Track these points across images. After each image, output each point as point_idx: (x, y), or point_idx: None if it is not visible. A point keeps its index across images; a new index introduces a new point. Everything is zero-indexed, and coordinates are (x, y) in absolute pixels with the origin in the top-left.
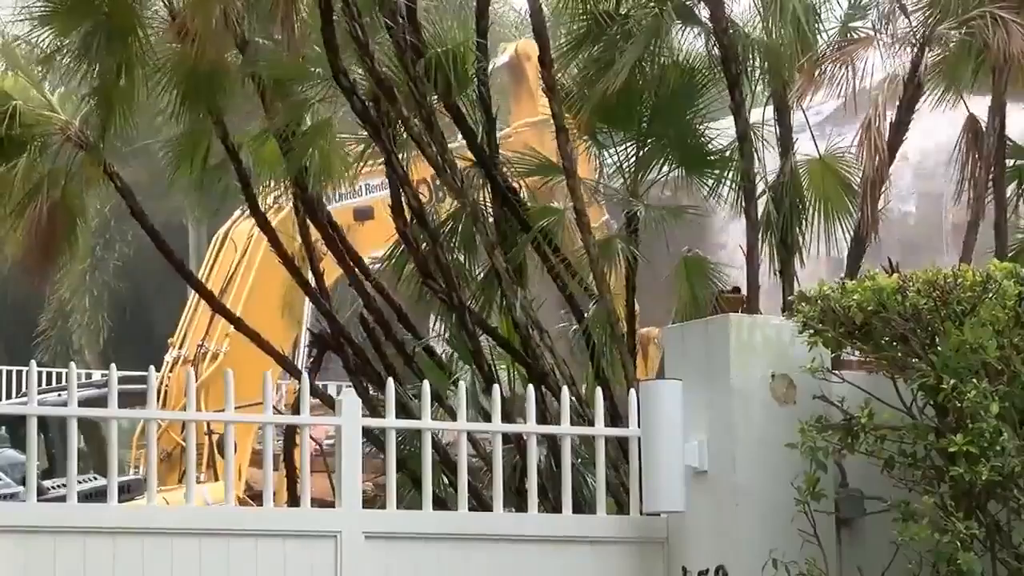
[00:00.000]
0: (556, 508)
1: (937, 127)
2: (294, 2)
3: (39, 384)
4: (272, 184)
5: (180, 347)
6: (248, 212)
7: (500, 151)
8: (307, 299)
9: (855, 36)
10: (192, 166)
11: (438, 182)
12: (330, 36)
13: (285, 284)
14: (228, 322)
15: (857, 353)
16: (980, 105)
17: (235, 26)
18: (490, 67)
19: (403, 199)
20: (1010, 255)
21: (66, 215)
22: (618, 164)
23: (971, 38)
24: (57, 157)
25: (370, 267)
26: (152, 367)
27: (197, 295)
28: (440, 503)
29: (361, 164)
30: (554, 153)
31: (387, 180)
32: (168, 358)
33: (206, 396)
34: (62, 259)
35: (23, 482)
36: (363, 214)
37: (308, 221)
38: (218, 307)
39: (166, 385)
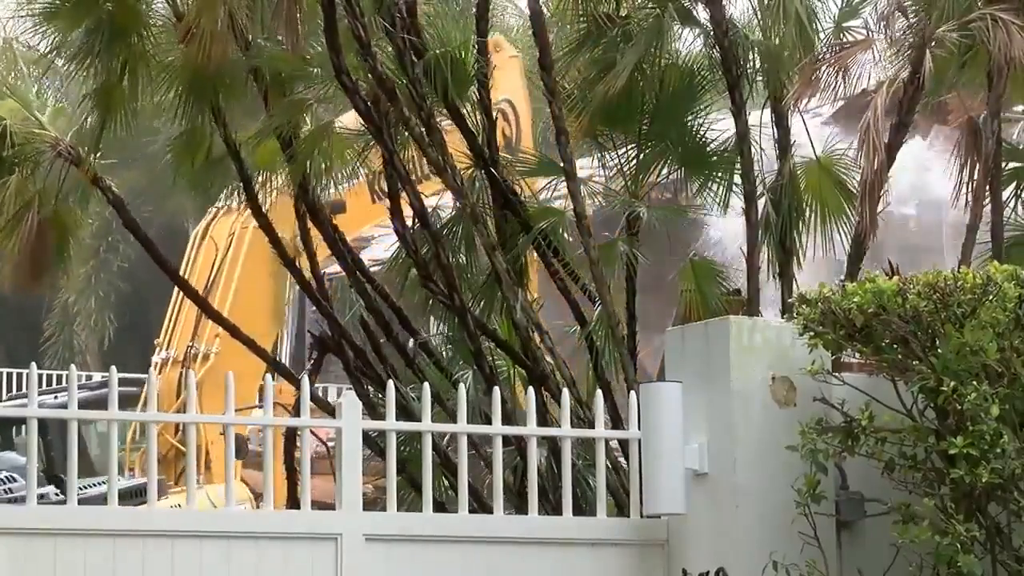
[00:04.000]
0: (556, 510)
1: (939, 129)
2: (298, 1)
3: (41, 387)
4: (273, 184)
5: (167, 348)
6: (225, 210)
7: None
8: (288, 295)
9: (849, 35)
10: (192, 165)
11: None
12: (332, 35)
13: (270, 281)
14: (218, 324)
15: (857, 355)
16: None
17: (241, 26)
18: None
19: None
20: (1006, 251)
21: (58, 231)
22: (619, 166)
23: (971, 40)
24: (49, 174)
25: (371, 269)
26: (152, 370)
27: (180, 295)
28: (441, 505)
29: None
30: None
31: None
32: (156, 359)
33: (202, 398)
34: (54, 274)
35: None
36: (335, 208)
37: (309, 222)
38: (207, 309)
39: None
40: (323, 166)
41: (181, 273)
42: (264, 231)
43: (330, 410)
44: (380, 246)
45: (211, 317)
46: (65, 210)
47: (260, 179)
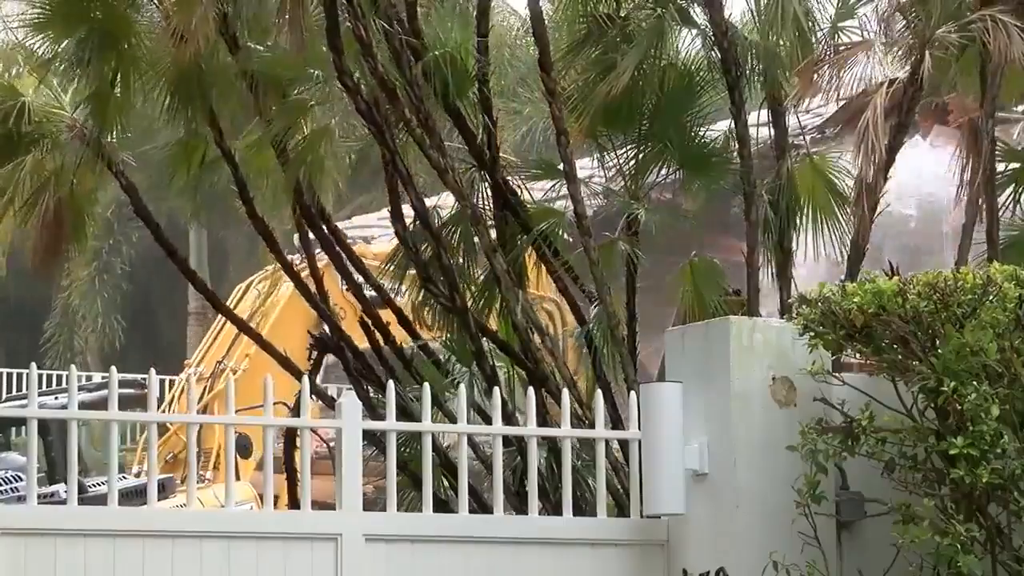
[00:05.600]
0: (556, 510)
1: (939, 129)
2: (301, 1)
3: (42, 387)
4: (268, 187)
5: (197, 366)
6: (271, 272)
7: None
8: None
9: (845, 35)
10: (189, 171)
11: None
12: (334, 36)
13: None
14: (250, 338)
15: (857, 355)
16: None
17: (222, 25)
18: None
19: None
20: (1001, 250)
21: (73, 211)
22: (618, 166)
23: (970, 41)
24: (66, 154)
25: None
26: (153, 370)
27: (221, 325)
28: (441, 505)
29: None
30: None
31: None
32: (183, 376)
33: (221, 406)
34: (69, 256)
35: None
36: None
37: (308, 228)
38: (237, 322)
39: (176, 400)
40: (320, 169)
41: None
42: (263, 237)
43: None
44: (379, 246)
45: (235, 324)
46: (81, 190)
47: (257, 185)
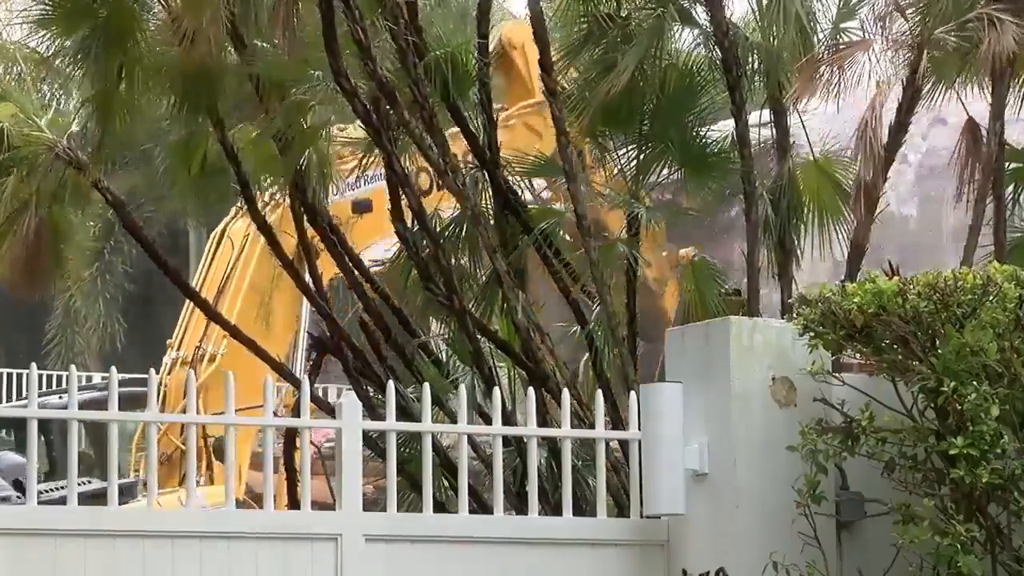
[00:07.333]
0: (556, 511)
1: (939, 129)
2: (294, 3)
3: (42, 388)
4: (270, 186)
5: (178, 349)
6: (244, 210)
7: (501, 152)
8: (304, 299)
9: (847, 37)
10: (190, 169)
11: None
12: (331, 38)
13: (281, 284)
14: (218, 325)
15: (857, 356)
16: (980, 106)
17: (230, 26)
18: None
19: (402, 201)
20: (1008, 252)
21: (54, 234)
22: (619, 166)
23: (968, 41)
24: (46, 176)
25: (370, 269)
26: (152, 370)
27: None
28: (440, 506)
29: (361, 165)
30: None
31: (384, 171)
32: (167, 360)
33: (205, 398)
34: (51, 278)
35: (18, 485)
36: (361, 206)
37: (307, 223)
38: (212, 314)
39: (164, 387)
40: (320, 167)
41: (198, 273)
42: (263, 232)
43: (330, 411)
44: (379, 246)
45: (211, 318)
46: (62, 213)
47: (259, 182)
